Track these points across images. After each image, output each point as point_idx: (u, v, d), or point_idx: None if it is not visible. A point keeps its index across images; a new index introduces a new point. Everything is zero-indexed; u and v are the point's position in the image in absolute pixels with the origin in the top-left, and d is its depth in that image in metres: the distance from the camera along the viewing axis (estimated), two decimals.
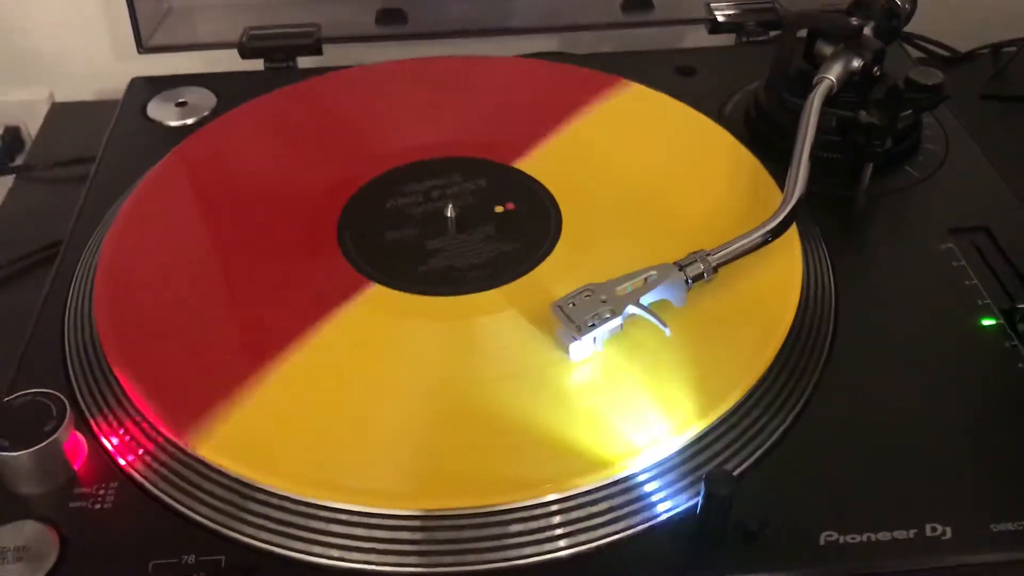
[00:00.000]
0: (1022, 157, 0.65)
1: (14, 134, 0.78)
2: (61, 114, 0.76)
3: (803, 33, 0.56)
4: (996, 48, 0.77)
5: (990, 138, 0.61)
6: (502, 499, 0.38)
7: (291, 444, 0.41)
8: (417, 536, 0.38)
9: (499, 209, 0.52)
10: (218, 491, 0.40)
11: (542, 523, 0.38)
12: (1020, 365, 0.45)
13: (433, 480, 0.40)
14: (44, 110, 0.76)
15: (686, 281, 0.44)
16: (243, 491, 0.40)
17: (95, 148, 0.62)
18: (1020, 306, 0.47)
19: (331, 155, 0.56)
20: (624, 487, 0.39)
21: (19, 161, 0.76)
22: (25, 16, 0.77)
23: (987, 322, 0.46)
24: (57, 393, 0.41)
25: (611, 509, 0.39)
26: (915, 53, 0.75)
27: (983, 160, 0.57)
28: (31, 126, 0.78)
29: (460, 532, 0.38)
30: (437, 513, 0.38)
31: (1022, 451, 0.41)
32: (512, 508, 0.38)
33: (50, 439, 0.39)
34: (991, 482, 0.40)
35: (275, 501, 0.39)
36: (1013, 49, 0.76)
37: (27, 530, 0.38)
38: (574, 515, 0.39)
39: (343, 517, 0.39)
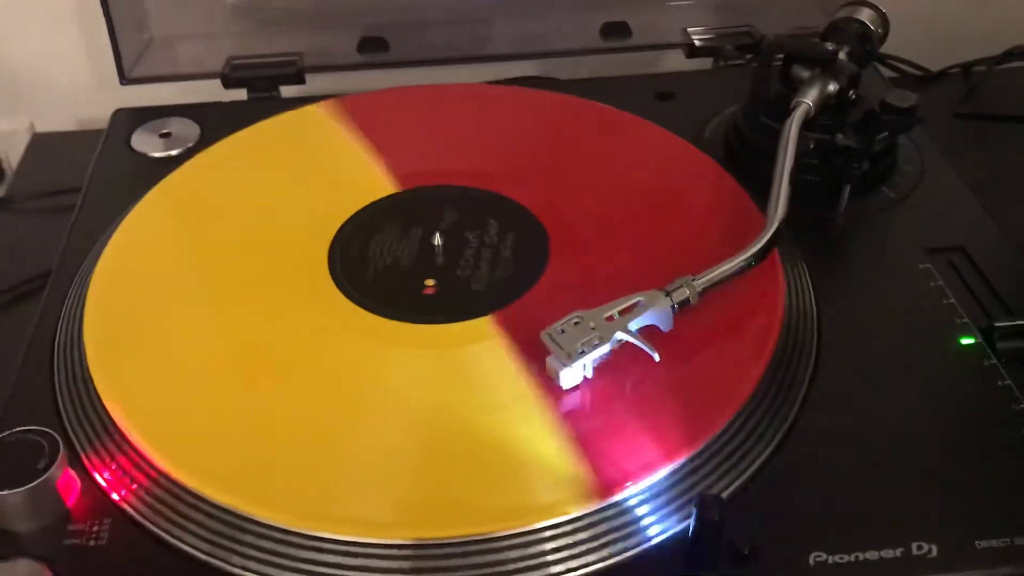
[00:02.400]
0: (994, 175, 0.66)
1: None
2: (42, 144, 0.76)
3: (779, 58, 0.57)
4: (966, 67, 0.79)
5: (963, 156, 0.63)
6: (494, 527, 0.39)
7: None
8: (409, 565, 0.38)
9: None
10: (210, 523, 0.40)
11: (535, 550, 0.39)
12: (999, 383, 0.45)
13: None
14: (24, 140, 0.76)
15: (672, 307, 0.45)
16: (234, 522, 0.40)
17: (77, 179, 0.62)
18: (998, 324, 0.47)
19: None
20: (615, 512, 0.39)
21: (0, 192, 0.76)
22: (4, 46, 0.77)
23: (966, 341, 0.47)
24: (50, 431, 0.41)
25: (604, 534, 0.39)
26: (887, 73, 0.76)
27: (957, 180, 0.58)
28: (11, 156, 0.78)
29: (452, 561, 0.38)
30: (428, 542, 0.39)
31: (1003, 468, 0.42)
32: (504, 536, 0.39)
33: (43, 477, 0.39)
34: (975, 500, 0.41)
35: (266, 532, 0.39)
36: (983, 68, 0.78)
37: (21, 568, 0.38)
38: (567, 541, 0.39)
39: (335, 547, 0.39)
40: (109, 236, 0.53)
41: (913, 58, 0.78)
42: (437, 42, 0.70)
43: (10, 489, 0.39)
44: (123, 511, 0.41)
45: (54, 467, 0.40)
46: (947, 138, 0.64)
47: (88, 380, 0.45)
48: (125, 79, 0.66)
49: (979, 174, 0.60)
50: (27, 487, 0.39)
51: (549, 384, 0.44)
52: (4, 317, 0.60)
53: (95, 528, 0.40)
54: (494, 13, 0.71)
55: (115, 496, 0.41)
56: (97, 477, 0.42)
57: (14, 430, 0.41)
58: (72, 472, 0.41)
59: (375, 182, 0.56)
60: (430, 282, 0.50)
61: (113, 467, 0.42)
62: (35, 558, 0.38)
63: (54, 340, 0.48)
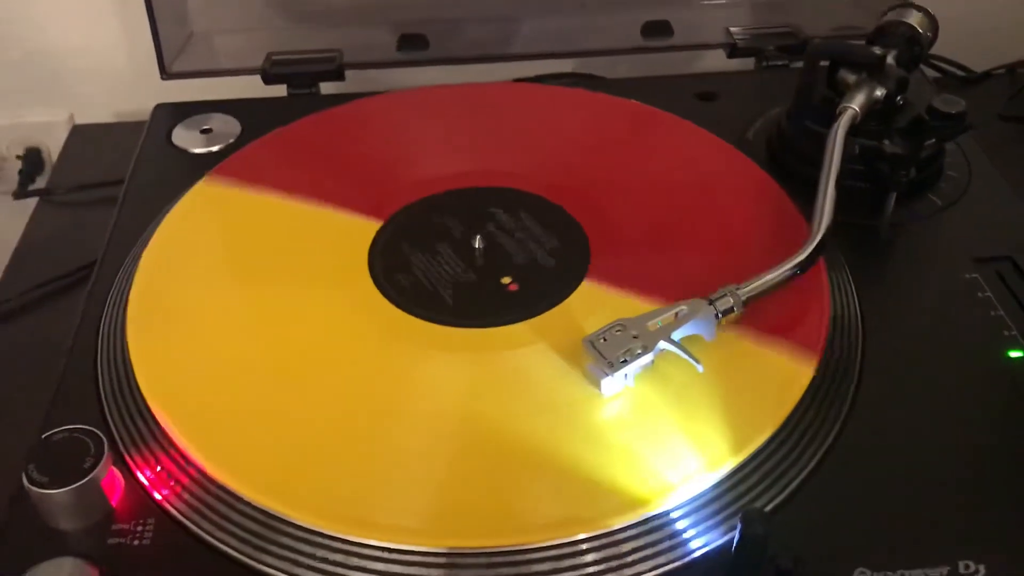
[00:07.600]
0: None
1: (35, 155, 0.79)
2: (81, 136, 0.76)
3: (826, 61, 0.57)
4: (1012, 68, 0.77)
5: (1009, 160, 0.61)
6: (531, 538, 0.39)
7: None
8: (443, 574, 0.38)
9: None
10: (250, 525, 0.40)
11: (573, 562, 0.38)
12: None
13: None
14: (64, 131, 0.77)
15: (716, 316, 0.44)
16: (273, 525, 0.40)
17: (117, 171, 0.63)
18: None
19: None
20: (656, 525, 0.39)
21: (41, 182, 0.77)
22: (45, 38, 0.77)
23: (1014, 354, 0.46)
24: (95, 430, 0.41)
25: (644, 547, 0.39)
26: (931, 73, 0.75)
27: (1005, 186, 0.57)
28: (51, 147, 0.79)
29: (487, 571, 0.38)
30: (464, 551, 0.39)
31: None
32: (542, 547, 0.38)
33: (89, 477, 0.39)
34: (1022, 518, 0.40)
35: (305, 536, 0.39)
36: None
37: (67, 566, 0.38)
38: (606, 554, 0.39)
39: (372, 553, 0.39)
40: (151, 233, 0.53)
41: (957, 58, 0.77)
42: (476, 39, 0.69)
43: (56, 488, 0.39)
44: (166, 511, 0.41)
45: (99, 467, 0.40)
46: (992, 140, 0.63)
47: (132, 379, 0.45)
48: (166, 74, 0.66)
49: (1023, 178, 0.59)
50: (73, 486, 0.39)
51: (590, 392, 0.43)
52: (45, 309, 0.60)
53: (139, 527, 0.40)
54: (534, 11, 0.70)
55: (158, 496, 0.41)
56: (141, 477, 0.42)
57: (60, 428, 0.41)
58: (117, 471, 0.41)
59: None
60: (507, 279, 0.50)
61: (156, 467, 0.42)
62: (80, 556, 0.39)
63: (97, 337, 0.49)
